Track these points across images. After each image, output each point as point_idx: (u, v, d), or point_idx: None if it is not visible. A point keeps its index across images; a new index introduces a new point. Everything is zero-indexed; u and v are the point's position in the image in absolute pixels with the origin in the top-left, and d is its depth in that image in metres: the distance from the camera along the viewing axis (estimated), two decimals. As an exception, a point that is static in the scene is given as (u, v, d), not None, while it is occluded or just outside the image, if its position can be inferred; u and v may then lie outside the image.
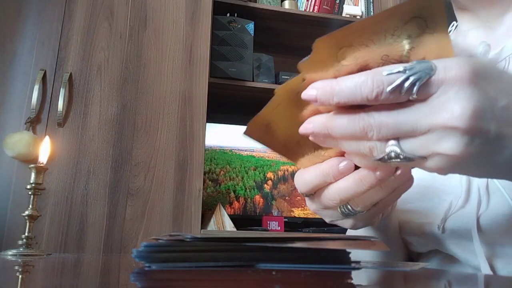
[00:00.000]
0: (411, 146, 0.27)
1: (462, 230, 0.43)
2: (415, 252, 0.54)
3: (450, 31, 0.58)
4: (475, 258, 0.43)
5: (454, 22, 0.58)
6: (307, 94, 0.28)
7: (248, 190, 1.67)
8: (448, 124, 0.25)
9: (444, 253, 0.48)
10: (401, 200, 0.50)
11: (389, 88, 0.25)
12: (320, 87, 0.28)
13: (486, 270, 0.41)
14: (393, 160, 0.27)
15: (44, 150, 0.60)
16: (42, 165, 0.57)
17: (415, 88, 0.25)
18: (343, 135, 0.28)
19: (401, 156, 0.27)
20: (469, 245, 0.43)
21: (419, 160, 0.27)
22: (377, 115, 0.27)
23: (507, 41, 0.48)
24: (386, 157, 0.27)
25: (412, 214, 0.49)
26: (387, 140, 0.27)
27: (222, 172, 1.67)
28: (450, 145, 0.25)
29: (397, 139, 0.27)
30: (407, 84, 0.25)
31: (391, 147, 0.27)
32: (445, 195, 0.47)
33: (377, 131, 0.27)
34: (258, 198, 1.68)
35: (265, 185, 1.70)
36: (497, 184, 0.42)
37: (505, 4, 0.53)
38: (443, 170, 0.28)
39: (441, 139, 0.26)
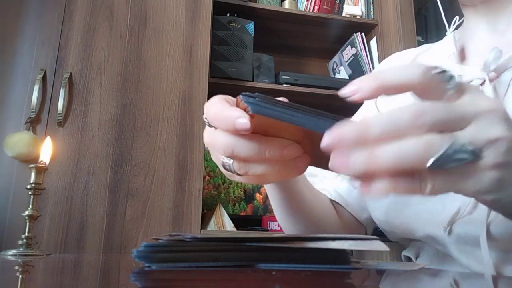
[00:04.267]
0: (469, 135, 0.25)
1: (469, 236, 0.43)
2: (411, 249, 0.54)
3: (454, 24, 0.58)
4: (478, 264, 0.42)
5: (457, 17, 0.58)
6: None
7: (231, 204, 1.51)
8: (492, 108, 0.26)
9: (437, 250, 0.48)
10: (404, 203, 0.49)
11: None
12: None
13: (490, 275, 0.40)
14: (458, 156, 0.24)
15: (46, 150, 0.59)
16: (42, 165, 0.57)
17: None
18: (387, 127, 0.24)
19: (469, 149, 0.24)
20: (474, 251, 0.42)
21: (477, 160, 0.25)
22: (428, 103, 0.25)
23: None
24: (449, 152, 0.24)
25: (414, 216, 0.49)
26: (440, 131, 0.24)
27: (207, 178, 1.52)
28: (502, 127, 0.25)
29: (448, 131, 0.25)
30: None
31: (452, 138, 0.24)
32: (451, 202, 0.46)
33: (431, 115, 0.24)
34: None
35: (257, 194, 1.56)
36: None
37: (505, 0, 0.53)
38: (501, 169, 0.26)
39: (492, 123, 0.25)
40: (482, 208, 0.42)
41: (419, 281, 0.29)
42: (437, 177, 0.24)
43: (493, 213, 0.41)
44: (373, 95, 0.26)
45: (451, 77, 0.27)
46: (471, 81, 0.50)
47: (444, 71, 0.27)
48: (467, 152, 0.24)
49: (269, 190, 0.50)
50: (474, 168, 0.25)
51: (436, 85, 0.26)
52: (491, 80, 0.49)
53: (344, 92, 0.26)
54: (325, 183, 0.63)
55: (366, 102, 0.66)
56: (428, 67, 0.26)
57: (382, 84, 0.26)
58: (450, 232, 0.44)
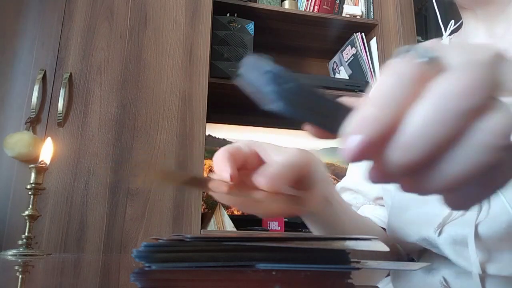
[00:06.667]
0: None
1: (459, 236, 0.43)
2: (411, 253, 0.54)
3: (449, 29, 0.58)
4: (468, 263, 0.43)
5: (452, 21, 0.58)
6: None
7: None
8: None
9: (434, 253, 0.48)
10: (401, 207, 0.50)
11: None
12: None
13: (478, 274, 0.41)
14: None
15: (47, 151, 0.59)
16: (42, 165, 0.57)
17: None
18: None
19: None
20: (464, 251, 0.43)
21: None
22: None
23: None
24: None
25: (411, 220, 0.49)
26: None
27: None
28: None
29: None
30: None
31: None
32: None
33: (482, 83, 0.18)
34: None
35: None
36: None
37: (502, 4, 0.53)
38: None
39: None
40: (474, 210, 0.43)
41: (411, 280, 0.29)
42: None
43: (482, 214, 0.42)
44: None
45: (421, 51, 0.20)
46: None
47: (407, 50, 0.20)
48: None
49: (306, 222, 0.48)
50: None
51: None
52: None
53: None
54: (363, 211, 0.62)
55: None
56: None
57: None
58: (440, 234, 0.45)
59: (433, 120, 0.17)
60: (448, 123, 0.17)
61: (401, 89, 0.18)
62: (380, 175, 0.19)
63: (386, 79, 0.19)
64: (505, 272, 0.41)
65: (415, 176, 0.19)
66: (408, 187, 0.20)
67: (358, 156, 0.18)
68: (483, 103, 0.17)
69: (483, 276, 0.36)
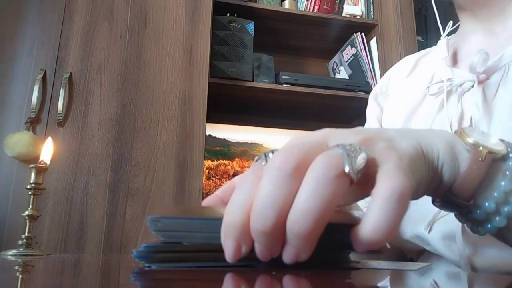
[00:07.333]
0: (342, 143, 0.26)
1: (448, 231, 0.45)
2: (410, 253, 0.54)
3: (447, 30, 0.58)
4: (457, 257, 0.45)
5: (451, 22, 0.58)
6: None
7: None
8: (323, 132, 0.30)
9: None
10: None
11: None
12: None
13: (465, 267, 0.44)
14: (361, 154, 0.25)
15: (47, 150, 0.59)
16: (43, 165, 0.57)
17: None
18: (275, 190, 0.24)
19: (359, 146, 0.25)
20: (453, 245, 0.45)
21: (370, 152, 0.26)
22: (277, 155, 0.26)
23: (507, 48, 0.48)
24: (350, 154, 0.24)
25: (407, 217, 0.49)
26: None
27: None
28: (350, 133, 0.28)
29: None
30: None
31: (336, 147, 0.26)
32: None
33: (294, 153, 0.26)
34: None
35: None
36: None
37: (502, 4, 0.53)
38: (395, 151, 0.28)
39: (343, 135, 0.28)
40: None
41: (406, 280, 0.29)
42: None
43: None
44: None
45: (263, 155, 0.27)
46: (462, 83, 0.50)
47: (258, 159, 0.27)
48: (361, 149, 0.24)
49: None
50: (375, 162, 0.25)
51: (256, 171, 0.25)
52: (480, 82, 0.48)
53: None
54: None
55: (369, 120, 0.67)
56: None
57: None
58: (430, 231, 0.47)
59: (267, 191, 0.23)
60: (279, 187, 0.23)
61: (246, 188, 0.24)
62: (264, 253, 0.24)
63: (237, 186, 0.25)
64: (491, 265, 0.42)
65: (289, 241, 0.23)
66: (292, 257, 0.24)
67: (237, 255, 0.24)
68: (300, 164, 0.23)
69: (472, 276, 0.37)
